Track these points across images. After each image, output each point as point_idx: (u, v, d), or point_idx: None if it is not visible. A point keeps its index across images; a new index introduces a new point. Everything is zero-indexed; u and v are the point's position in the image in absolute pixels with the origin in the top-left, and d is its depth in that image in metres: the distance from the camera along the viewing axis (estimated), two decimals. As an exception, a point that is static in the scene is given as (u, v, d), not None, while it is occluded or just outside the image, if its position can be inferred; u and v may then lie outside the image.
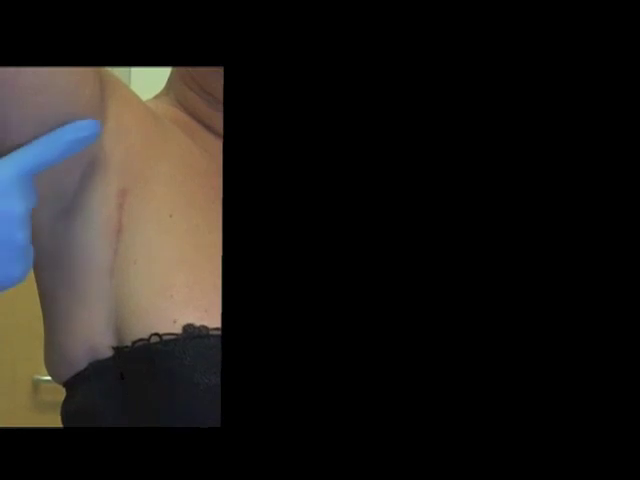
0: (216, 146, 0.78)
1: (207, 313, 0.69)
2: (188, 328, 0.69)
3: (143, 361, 0.69)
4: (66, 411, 0.76)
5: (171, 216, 0.72)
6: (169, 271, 0.70)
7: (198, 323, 0.69)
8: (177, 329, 0.69)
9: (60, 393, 0.76)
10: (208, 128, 0.80)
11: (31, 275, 0.75)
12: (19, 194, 0.64)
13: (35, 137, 0.67)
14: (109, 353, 0.71)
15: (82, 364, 0.72)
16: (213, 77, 0.78)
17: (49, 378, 0.76)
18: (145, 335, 0.69)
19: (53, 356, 0.75)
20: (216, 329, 0.68)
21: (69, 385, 0.74)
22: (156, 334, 0.69)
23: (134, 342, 0.69)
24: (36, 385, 2.10)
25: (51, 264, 0.73)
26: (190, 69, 0.80)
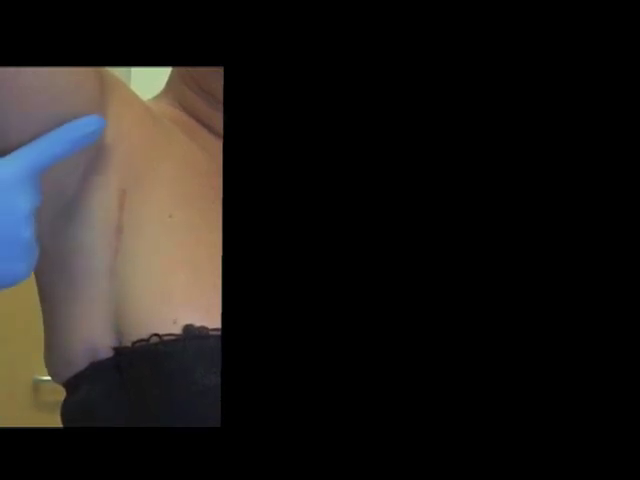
0: (216, 146, 0.78)
1: (207, 314, 0.69)
2: (188, 329, 0.69)
3: (143, 361, 0.69)
4: (66, 411, 0.76)
5: (171, 216, 0.72)
6: (169, 272, 0.70)
7: (198, 324, 0.69)
8: (177, 330, 0.69)
9: (60, 393, 0.76)
10: (208, 128, 0.80)
11: (31, 275, 0.75)
12: (25, 191, 0.64)
13: (36, 137, 0.67)
14: (109, 353, 0.71)
15: (82, 364, 0.72)
16: (213, 77, 0.78)
17: (49, 378, 0.76)
18: (145, 336, 0.69)
19: (53, 356, 0.75)
20: (216, 329, 0.68)
21: (69, 385, 0.74)
22: (156, 335, 0.69)
23: (134, 342, 0.69)
24: (36, 385, 2.10)
25: (51, 264, 0.73)
26: (190, 69, 0.80)
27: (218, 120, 0.79)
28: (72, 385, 0.74)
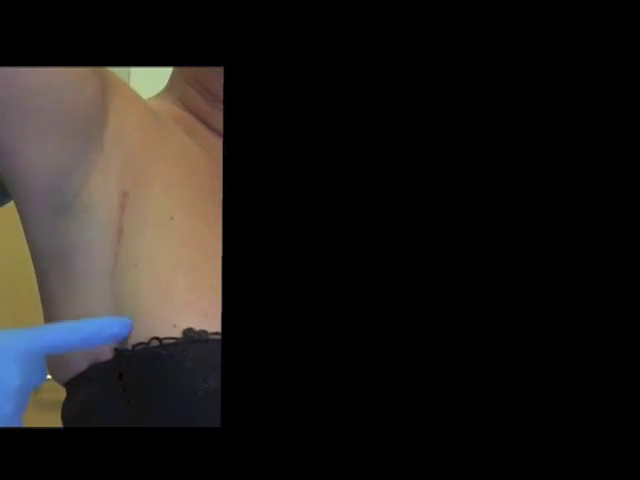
0: (217, 145, 0.78)
1: (206, 317, 0.69)
2: (188, 332, 0.68)
3: (143, 364, 0.69)
4: (66, 411, 0.76)
5: (172, 218, 0.72)
6: (169, 274, 0.70)
7: (197, 327, 0.69)
8: (177, 333, 0.68)
9: (61, 392, 0.76)
10: (209, 127, 0.80)
11: (32, 276, 0.75)
12: (21, 368, 0.61)
13: (36, 137, 0.67)
14: (109, 355, 0.71)
15: (82, 365, 0.72)
16: (214, 76, 0.78)
17: (49, 377, 0.76)
18: (145, 339, 0.69)
19: (54, 357, 0.75)
20: (215, 333, 0.68)
21: (70, 386, 0.74)
22: (156, 338, 0.69)
23: (134, 345, 0.69)
24: (36, 384, 2.10)
25: (52, 266, 0.73)
26: (192, 68, 0.80)
27: (219, 119, 0.79)
28: (72, 386, 0.74)
